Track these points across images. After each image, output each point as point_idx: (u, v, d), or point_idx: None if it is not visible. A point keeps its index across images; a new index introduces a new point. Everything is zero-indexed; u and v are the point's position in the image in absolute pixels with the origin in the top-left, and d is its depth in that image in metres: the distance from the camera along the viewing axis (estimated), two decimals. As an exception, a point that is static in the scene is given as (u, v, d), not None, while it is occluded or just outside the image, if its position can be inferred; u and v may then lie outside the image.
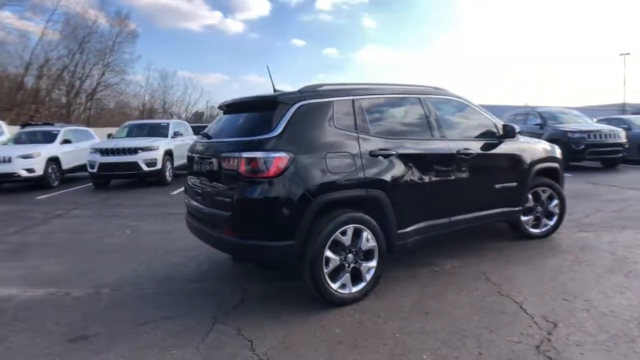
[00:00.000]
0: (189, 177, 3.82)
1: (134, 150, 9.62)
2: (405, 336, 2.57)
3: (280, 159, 2.80)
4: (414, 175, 3.32)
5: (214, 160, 3.17)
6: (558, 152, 4.65)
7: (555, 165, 4.50)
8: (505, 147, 4.04)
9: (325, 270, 2.93)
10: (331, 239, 2.92)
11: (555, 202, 4.47)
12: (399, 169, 3.25)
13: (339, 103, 3.21)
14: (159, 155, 9.91)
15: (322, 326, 2.75)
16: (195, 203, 3.50)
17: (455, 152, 3.64)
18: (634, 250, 3.97)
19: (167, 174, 10.29)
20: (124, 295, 3.43)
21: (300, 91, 3.16)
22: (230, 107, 3.57)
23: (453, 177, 3.61)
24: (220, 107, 3.75)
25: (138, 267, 4.09)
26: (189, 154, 3.73)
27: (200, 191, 3.41)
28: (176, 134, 11.33)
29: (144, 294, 3.42)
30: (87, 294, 3.46)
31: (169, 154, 10.41)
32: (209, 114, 43.28)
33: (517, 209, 4.16)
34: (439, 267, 3.75)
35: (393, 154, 3.24)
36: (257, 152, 2.82)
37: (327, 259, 2.93)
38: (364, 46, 70.73)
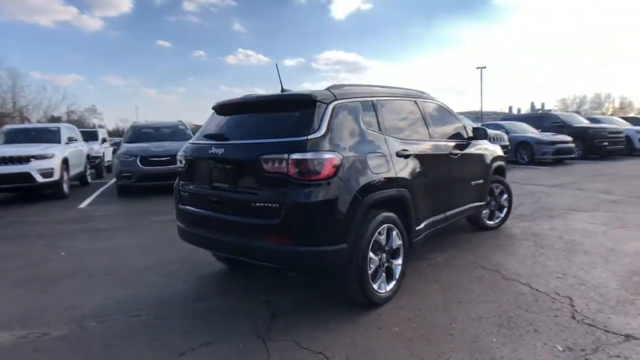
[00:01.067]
0: (183, 183, 3.45)
1: (24, 159, 8.06)
2: (462, 324, 2.71)
3: (332, 159, 2.72)
4: (425, 174, 3.50)
5: (245, 164, 2.92)
6: (502, 152, 5.34)
7: (503, 163, 5.16)
8: (476, 147, 4.51)
9: (370, 272, 2.93)
10: (373, 239, 2.93)
11: (505, 196, 5.13)
12: (416, 168, 3.40)
13: (364, 103, 3.24)
14: (55, 164, 8.47)
15: (378, 327, 2.74)
16: (206, 212, 3.16)
17: (448, 152, 3.94)
18: (572, 234, 4.77)
19: (65, 185, 8.87)
20: (120, 325, 2.90)
21: (330, 90, 3.09)
22: (244, 107, 3.32)
23: (447, 175, 3.91)
24: (223, 106, 3.46)
25: (113, 292, 3.49)
26: (189, 158, 3.36)
27: (216, 199, 3.09)
28: (70, 140, 9.86)
29: (146, 322, 2.95)
30: (71, 331, 2.84)
31: (65, 162, 8.98)
32: (67, 119, 38.29)
33: (483, 203, 4.67)
34: (433, 260, 4.00)
35: (411, 154, 3.38)
36: (307, 153, 2.67)
37: (370, 260, 2.93)
38: (234, 50, 70.05)
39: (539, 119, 16.35)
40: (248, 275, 3.89)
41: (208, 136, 3.28)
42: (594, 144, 14.28)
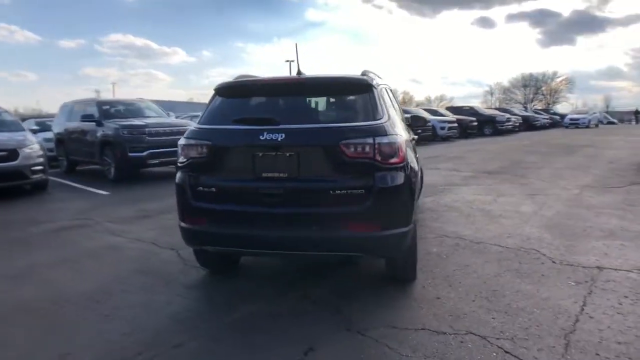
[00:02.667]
0: (202, 177, 2.94)
1: None
2: (520, 303, 2.91)
3: (403, 143, 2.81)
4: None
5: (317, 150, 2.72)
6: None
7: None
8: None
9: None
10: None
11: (424, 176, 5.97)
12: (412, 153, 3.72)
13: (387, 89, 3.38)
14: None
15: (437, 297, 3.00)
16: (254, 207, 2.81)
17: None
18: (474, 204, 5.90)
19: None
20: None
21: (369, 74, 3.12)
22: (284, 88, 3.06)
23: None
24: (249, 87, 3.13)
25: (96, 328, 2.74)
26: (218, 146, 2.88)
27: (269, 191, 2.77)
28: None
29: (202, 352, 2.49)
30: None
31: None
32: None
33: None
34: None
35: (412, 139, 3.70)
36: (389, 137, 2.71)
37: None
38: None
39: None
40: (246, 275, 3.60)
41: (244, 121, 2.88)
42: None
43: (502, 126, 23.67)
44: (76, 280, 3.56)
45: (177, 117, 12.17)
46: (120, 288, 3.35)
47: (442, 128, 19.89)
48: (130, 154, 8.24)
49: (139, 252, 4.21)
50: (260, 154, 2.78)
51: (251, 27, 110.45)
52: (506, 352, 2.35)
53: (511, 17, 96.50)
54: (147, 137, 8.37)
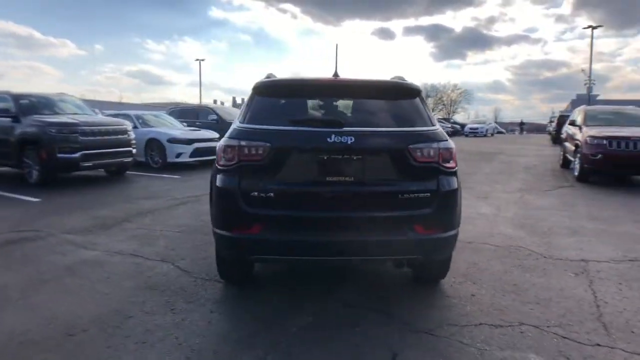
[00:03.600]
0: (258, 181, 2.74)
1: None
2: (544, 294, 3.25)
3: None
4: None
5: (386, 153, 2.74)
6: None
7: None
8: None
9: None
10: None
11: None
12: None
13: None
14: None
15: (472, 295, 3.20)
16: (319, 213, 2.72)
17: None
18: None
19: None
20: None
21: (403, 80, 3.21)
22: (333, 89, 3.02)
23: None
24: (295, 87, 3.04)
25: None
26: (279, 148, 2.72)
27: (335, 195, 2.72)
28: None
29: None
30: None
31: None
32: None
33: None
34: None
35: None
36: (446, 142, 2.84)
37: None
38: None
39: (196, 112, 13.88)
40: (266, 285, 3.43)
41: (305, 122, 2.79)
42: None
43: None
44: (73, 303, 3.04)
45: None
46: (137, 309, 2.95)
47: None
48: (60, 155, 7.22)
49: (129, 267, 3.74)
50: (326, 157, 2.70)
51: (149, 22, 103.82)
52: (563, 337, 2.62)
53: (409, 30, 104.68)
54: (80, 137, 7.40)
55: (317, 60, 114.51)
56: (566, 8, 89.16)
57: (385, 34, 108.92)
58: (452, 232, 2.88)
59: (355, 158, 2.71)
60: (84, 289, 3.29)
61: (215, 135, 11.12)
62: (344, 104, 3.03)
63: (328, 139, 2.67)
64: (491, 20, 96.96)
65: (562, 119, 18.94)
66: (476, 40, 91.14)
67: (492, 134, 34.74)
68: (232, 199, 2.74)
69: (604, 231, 4.96)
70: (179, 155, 10.03)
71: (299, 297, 3.19)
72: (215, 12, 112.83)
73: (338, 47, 3.31)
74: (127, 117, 10.27)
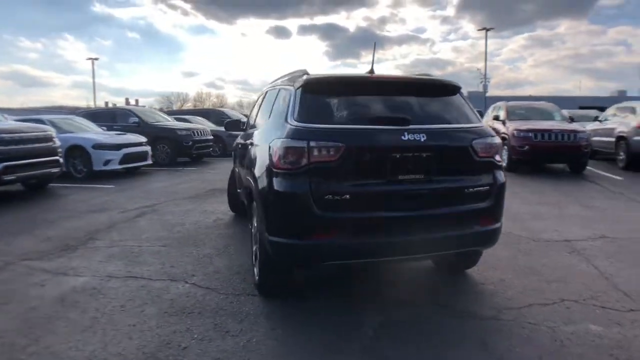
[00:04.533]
0: (332, 183, 2.61)
1: None
2: (560, 273, 3.68)
3: None
4: None
5: (453, 150, 2.81)
6: None
7: None
8: None
9: None
10: None
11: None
12: None
13: None
14: None
15: (502, 279, 3.43)
16: (393, 213, 2.68)
17: None
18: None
19: None
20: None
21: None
22: (385, 86, 3.02)
23: None
24: (349, 83, 3.02)
25: None
26: (354, 147, 2.62)
27: (407, 193, 2.71)
28: None
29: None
30: None
31: None
32: None
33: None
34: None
35: None
36: (495, 137, 3.01)
37: None
38: None
39: (112, 115, 12.68)
40: (306, 294, 3.27)
41: (373, 120, 2.75)
42: (183, 147, 11.73)
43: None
44: (102, 342, 2.53)
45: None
46: (187, 338, 2.57)
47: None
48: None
49: (137, 291, 3.25)
50: (398, 156, 2.67)
51: (22, 17, 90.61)
52: (601, 307, 2.96)
53: (304, 29, 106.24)
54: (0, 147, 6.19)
55: (214, 59, 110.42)
56: (450, 10, 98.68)
57: (281, 33, 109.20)
58: (501, 222, 3.05)
59: (425, 155, 2.72)
60: (100, 324, 2.77)
61: (143, 139, 10.17)
62: (400, 101, 3.00)
63: (402, 137, 2.65)
64: (383, 21, 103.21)
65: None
66: (369, 39, 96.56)
67: None
68: (303, 204, 2.56)
69: (560, 215, 5.65)
70: (107, 162, 8.93)
71: (352, 301, 3.09)
72: (98, 8, 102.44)
73: (375, 46, 3.33)
74: (39, 122, 8.79)
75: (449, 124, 2.91)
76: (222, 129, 14.92)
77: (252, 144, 3.61)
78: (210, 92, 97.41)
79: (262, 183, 2.79)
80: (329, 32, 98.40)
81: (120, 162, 9.13)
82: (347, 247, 2.63)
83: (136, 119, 11.76)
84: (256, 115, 4.30)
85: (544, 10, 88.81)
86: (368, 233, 2.65)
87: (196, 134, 12.42)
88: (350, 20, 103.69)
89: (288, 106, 2.87)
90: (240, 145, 4.73)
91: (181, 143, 11.88)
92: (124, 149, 9.23)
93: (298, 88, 2.89)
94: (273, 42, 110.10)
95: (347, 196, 2.59)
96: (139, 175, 9.71)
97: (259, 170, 2.95)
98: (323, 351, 2.44)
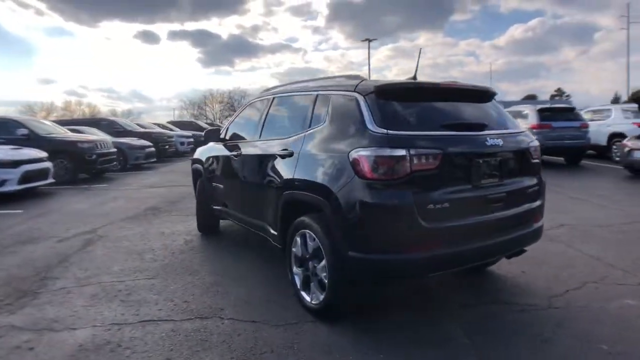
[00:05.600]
0: (433, 192, 2.54)
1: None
2: (580, 260, 4.02)
3: None
4: None
5: (518, 154, 2.95)
6: None
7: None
8: None
9: None
10: None
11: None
12: None
13: None
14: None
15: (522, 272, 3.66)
16: (480, 217, 2.70)
17: None
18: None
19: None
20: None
21: None
22: (441, 93, 2.98)
23: None
24: (417, 89, 2.89)
25: None
26: (450, 154, 2.58)
27: (496, 197, 2.77)
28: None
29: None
30: None
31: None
32: None
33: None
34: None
35: None
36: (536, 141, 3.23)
37: None
38: None
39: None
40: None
41: (458, 127, 2.74)
42: (85, 162, 10.24)
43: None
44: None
45: None
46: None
47: (182, 143, 19.57)
48: None
49: (172, 338, 2.65)
50: (482, 160, 2.71)
51: None
52: (622, 284, 3.37)
53: (174, 35, 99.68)
54: None
55: (74, 65, 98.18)
56: (321, 21, 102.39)
57: (149, 38, 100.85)
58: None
59: (499, 160, 2.82)
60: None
61: (44, 154, 8.53)
62: (468, 108, 3.01)
63: (486, 142, 2.72)
64: (256, 29, 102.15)
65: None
66: (242, 47, 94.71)
67: None
68: (408, 216, 2.41)
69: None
70: (3, 182, 7.27)
71: (421, 312, 3.01)
72: None
73: (421, 52, 3.28)
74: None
75: (507, 128, 3.03)
76: (123, 139, 14.15)
77: (278, 155, 3.30)
78: (81, 101, 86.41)
79: (343, 195, 2.55)
80: (200, 38, 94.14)
81: (20, 182, 7.51)
82: (450, 256, 2.56)
83: (25, 131, 9.78)
84: (262, 125, 3.87)
85: (406, 22, 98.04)
86: (464, 240, 2.60)
87: (99, 146, 10.89)
88: (222, 27, 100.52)
89: (358, 113, 2.70)
90: (228, 158, 4.26)
91: (83, 157, 10.23)
92: (23, 166, 7.62)
93: (369, 94, 2.73)
94: (141, 47, 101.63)
95: (447, 204, 2.52)
96: (44, 196, 8.10)
97: (329, 182, 2.67)
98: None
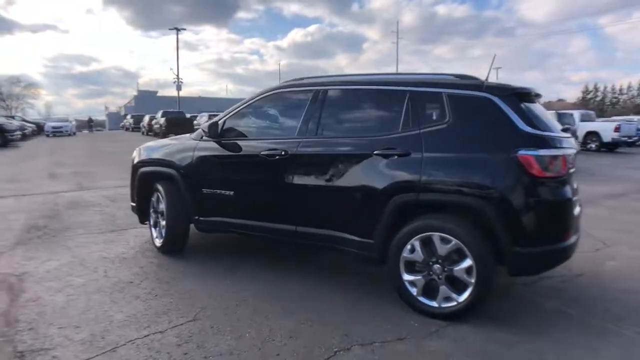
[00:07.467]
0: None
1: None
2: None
3: None
4: None
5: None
6: None
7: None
8: None
9: None
10: None
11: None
12: None
13: None
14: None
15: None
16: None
17: None
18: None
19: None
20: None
21: None
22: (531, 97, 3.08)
23: None
24: (529, 94, 2.97)
25: None
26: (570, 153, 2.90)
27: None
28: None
29: None
30: None
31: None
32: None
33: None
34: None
35: None
36: None
37: None
38: None
39: None
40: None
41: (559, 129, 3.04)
42: None
43: (13, 135, 19.81)
44: None
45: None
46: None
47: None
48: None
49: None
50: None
51: None
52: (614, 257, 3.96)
53: None
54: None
55: None
56: (97, 2, 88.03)
57: None
58: None
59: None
60: None
61: None
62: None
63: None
64: (10, 2, 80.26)
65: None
66: None
67: (74, 133, 30.89)
68: (571, 208, 2.78)
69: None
70: None
71: (501, 319, 2.84)
72: None
73: (494, 58, 3.37)
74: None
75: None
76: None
77: (380, 155, 2.95)
78: None
79: (513, 194, 2.64)
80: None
81: None
82: (577, 239, 2.88)
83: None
84: (316, 121, 3.31)
85: (191, 14, 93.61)
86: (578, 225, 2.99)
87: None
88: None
89: (499, 113, 2.77)
90: (252, 158, 3.49)
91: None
92: None
93: (507, 95, 2.82)
94: None
95: (576, 196, 2.92)
96: None
97: (492, 181, 2.67)
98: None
